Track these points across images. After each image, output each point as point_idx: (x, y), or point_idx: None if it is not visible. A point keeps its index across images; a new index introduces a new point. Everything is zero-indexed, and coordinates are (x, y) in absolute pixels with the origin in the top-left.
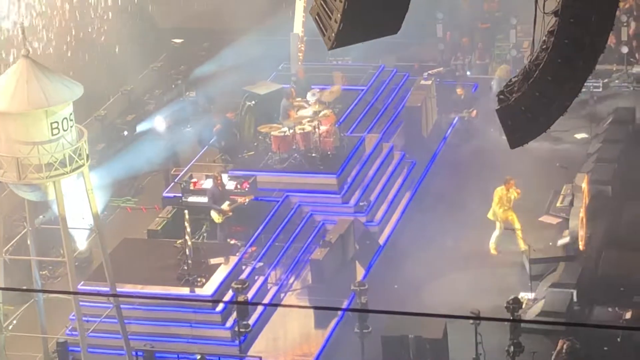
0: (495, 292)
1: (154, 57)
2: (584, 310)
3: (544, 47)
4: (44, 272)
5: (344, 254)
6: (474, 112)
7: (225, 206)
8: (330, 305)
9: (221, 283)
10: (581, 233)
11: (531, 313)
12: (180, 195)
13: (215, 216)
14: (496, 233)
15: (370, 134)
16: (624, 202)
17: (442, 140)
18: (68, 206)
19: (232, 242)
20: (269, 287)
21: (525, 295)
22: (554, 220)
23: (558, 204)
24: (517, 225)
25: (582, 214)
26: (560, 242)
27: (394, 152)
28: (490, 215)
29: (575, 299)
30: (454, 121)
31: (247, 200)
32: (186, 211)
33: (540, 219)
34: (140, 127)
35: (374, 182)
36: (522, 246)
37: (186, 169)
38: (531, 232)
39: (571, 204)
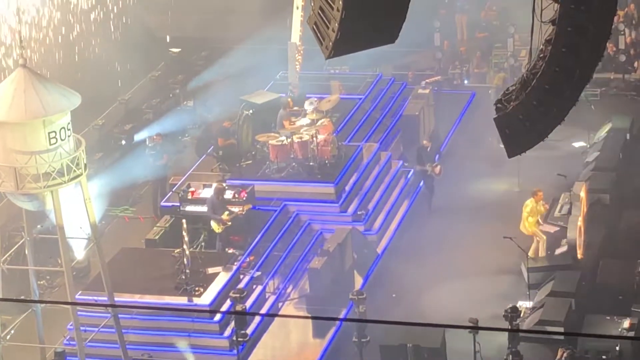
0: (494, 300)
1: (151, 67)
2: (582, 319)
3: (542, 55)
4: (41, 282)
5: (342, 263)
6: (438, 167)
7: (224, 216)
8: (329, 314)
9: (219, 292)
10: (579, 241)
11: (529, 322)
12: (178, 204)
13: (214, 226)
14: (534, 245)
15: (368, 143)
16: (622, 210)
17: (440, 148)
18: (66, 216)
19: (230, 251)
20: (267, 296)
21: (523, 304)
22: (552, 229)
23: (556, 213)
24: (543, 238)
25: (580, 222)
26: (559, 250)
27: (392, 160)
28: (522, 228)
29: (573, 307)
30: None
31: (245, 210)
32: (184, 220)
33: (538, 227)
34: (138, 137)
35: (372, 191)
36: (542, 254)
37: (184, 178)
38: (530, 241)
39: (569, 212)
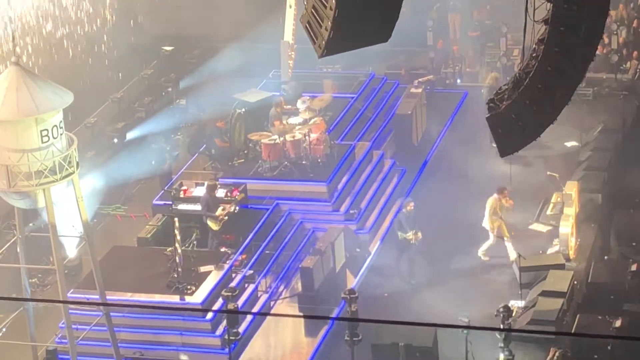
0: (486, 300)
1: (144, 65)
2: (574, 318)
3: (534, 55)
4: (33, 280)
5: (334, 261)
6: (411, 204)
7: (219, 212)
8: (321, 313)
9: (211, 291)
10: (571, 241)
11: (521, 321)
12: (170, 203)
13: (211, 224)
14: (489, 242)
15: (361, 142)
16: (614, 210)
17: (433, 147)
18: (58, 214)
19: (222, 250)
20: (259, 295)
21: (515, 304)
22: (544, 229)
23: (548, 212)
24: (507, 235)
25: (572, 222)
26: (551, 250)
27: (384, 159)
28: (484, 224)
29: (565, 307)
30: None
31: (239, 199)
32: (176, 219)
33: (530, 227)
34: (130, 135)
35: (364, 190)
36: (512, 256)
37: (176, 176)
38: (521, 241)
39: (561, 212)
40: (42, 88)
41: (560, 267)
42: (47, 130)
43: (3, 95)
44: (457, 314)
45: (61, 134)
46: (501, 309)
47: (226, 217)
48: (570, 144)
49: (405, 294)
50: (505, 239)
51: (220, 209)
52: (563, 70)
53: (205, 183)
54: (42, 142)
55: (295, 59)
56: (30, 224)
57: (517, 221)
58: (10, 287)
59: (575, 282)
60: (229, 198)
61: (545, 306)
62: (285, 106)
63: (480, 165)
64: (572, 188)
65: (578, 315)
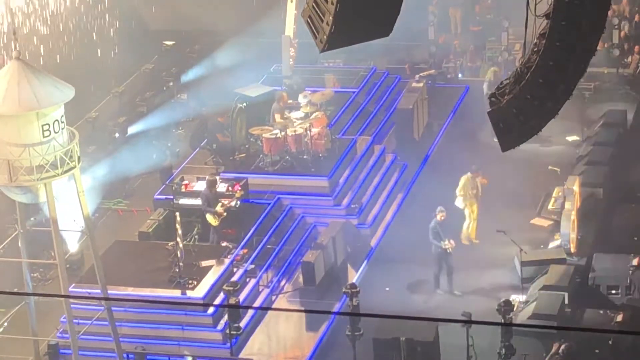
0: (487, 294)
1: (145, 59)
2: (575, 312)
3: (536, 49)
4: (35, 275)
5: (335, 256)
6: (444, 213)
7: (218, 208)
8: (322, 307)
9: (212, 285)
10: (572, 235)
11: (522, 315)
12: (171, 197)
13: (210, 219)
14: (467, 222)
15: (362, 136)
16: (615, 204)
17: (434, 142)
18: (59, 208)
19: (224, 244)
20: (260, 290)
21: (516, 298)
22: (545, 223)
23: (549, 207)
24: (474, 216)
25: (573, 216)
26: (552, 244)
27: (386, 154)
28: (457, 203)
29: (566, 301)
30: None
31: (239, 195)
32: (177, 213)
33: (531, 221)
34: (131, 129)
35: (365, 185)
36: (474, 238)
37: (177, 171)
38: (523, 235)
39: (562, 206)
40: (44, 82)
41: (562, 261)
42: (48, 124)
43: (4, 89)
44: (458, 309)
45: (62, 129)
46: (502, 304)
47: (225, 213)
48: (571, 138)
49: (406, 289)
50: (469, 220)
51: (219, 204)
52: (564, 65)
53: (206, 178)
54: (44, 137)
55: (297, 53)
56: (32, 219)
57: (518, 215)
58: (12, 282)
59: (577, 277)
60: (229, 193)
61: (546, 301)
62: (287, 100)
63: (481, 160)
64: (573, 182)
65: (579, 310)
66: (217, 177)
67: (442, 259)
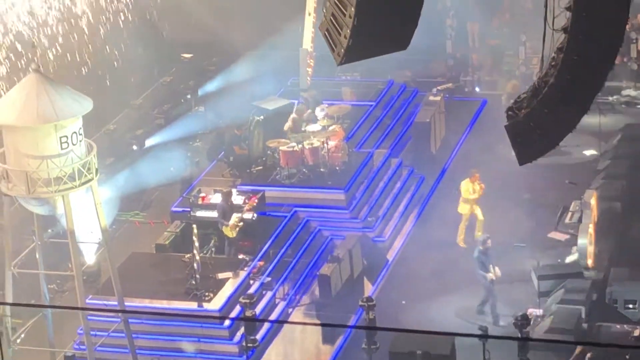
0: (504, 308)
1: (163, 72)
2: (592, 327)
3: (553, 63)
4: (52, 286)
5: (351, 269)
6: (489, 241)
7: (234, 220)
8: (338, 320)
9: (229, 298)
10: (590, 250)
11: (539, 330)
12: (188, 209)
13: (227, 231)
14: (463, 224)
15: (379, 150)
16: (633, 218)
17: (451, 155)
18: (76, 220)
19: (240, 256)
20: (276, 302)
21: (533, 312)
22: (562, 237)
23: (567, 220)
24: (481, 217)
25: (590, 230)
26: (569, 258)
27: (403, 167)
28: (460, 210)
29: (583, 315)
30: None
31: (254, 214)
32: (194, 226)
33: (548, 235)
34: (149, 142)
35: (382, 198)
36: (478, 234)
37: (195, 183)
38: (540, 248)
39: (580, 220)
40: (62, 95)
41: (579, 275)
42: (66, 137)
43: (23, 102)
44: (475, 322)
45: (80, 141)
46: (519, 318)
47: (241, 224)
48: (589, 152)
49: (423, 302)
50: (478, 220)
51: (234, 217)
52: (582, 79)
53: (221, 191)
54: (62, 149)
55: (314, 66)
56: (49, 230)
57: (535, 229)
58: (29, 293)
59: (594, 291)
60: (246, 205)
61: (563, 315)
62: (303, 114)
63: (498, 174)
64: (590, 196)
65: (596, 325)
66: (233, 189)
67: (489, 289)
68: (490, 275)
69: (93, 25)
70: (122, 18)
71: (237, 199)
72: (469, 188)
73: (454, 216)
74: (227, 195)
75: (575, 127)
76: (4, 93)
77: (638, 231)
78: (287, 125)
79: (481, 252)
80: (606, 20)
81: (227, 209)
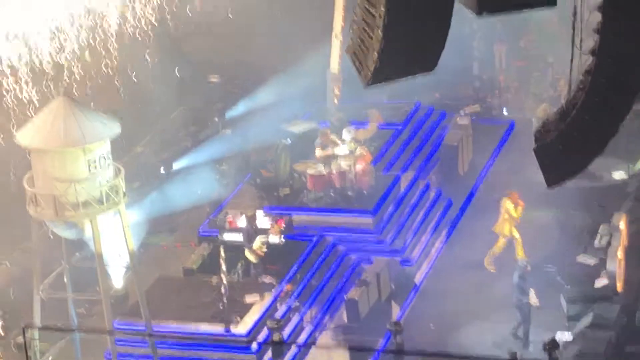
0: (533, 332)
1: (190, 95)
2: (622, 352)
3: (581, 86)
4: (80, 310)
5: (379, 293)
6: (529, 266)
7: (255, 245)
8: (366, 344)
9: (257, 322)
10: (619, 273)
11: (568, 354)
12: (216, 232)
13: (249, 255)
14: (496, 248)
15: (406, 173)
16: None
17: (479, 178)
18: (104, 243)
19: (268, 280)
20: (304, 326)
21: (562, 336)
22: (591, 261)
23: (596, 244)
24: (518, 236)
25: (619, 254)
26: (598, 282)
27: (430, 190)
28: (498, 229)
29: (613, 340)
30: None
31: (282, 237)
32: (222, 248)
33: (577, 258)
34: (176, 165)
35: (409, 221)
36: (520, 255)
37: (222, 206)
38: (569, 272)
39: (609, 244)
40: (90, 118)
41: (608, 299)
42: (94, 160)
43: (51, 125)
44: (504, 346)
45: (108, 164)
46: (548, 342)
47: (264, 250)
48: (618, 175)
49: (451, 326)
50: (516, 239)
51: (257, 240)
52: (610, 102)
53: (245, 215)
54: (90, 172)
55: (341, 89)
56: (77, 254)
57: (564, 253)
58: (58, 317)
59: (623, 316)
60: (272, 227)
61: (592, 340)
62: (330, 136)
63: (526, 196)
64: (619, 220)
65: (626, 349)
66: (258, 212)
67: (526, 314)
68: (533, 300)
69: (120, 46)
70: (149, 41)
71: (264, 221)
72: (511, 207)
73: (482, 239)
74: (251, 219)
75: (604, 150)
76: (32, 116)
77: None
78: (318, 151)
79: (520, 277)
80: (634, 42)
81: (252, 231)
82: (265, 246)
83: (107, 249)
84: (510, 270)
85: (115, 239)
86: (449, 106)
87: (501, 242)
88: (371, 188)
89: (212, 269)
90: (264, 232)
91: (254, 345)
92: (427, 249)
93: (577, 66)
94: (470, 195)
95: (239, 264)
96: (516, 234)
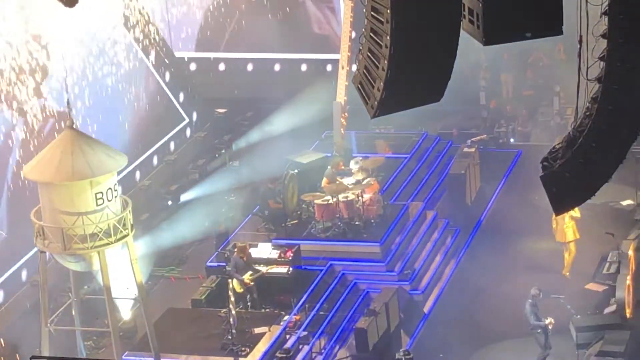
0: None
1: (197, 127)
2: None
3: (588, 113)
4: (88, 343)
5: (388, 322)
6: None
7: (246, 277)
8: None
9: (265, 352)
10: (628, 300)
11: None
12: (224, 264)
13: (236, 285)
14: (570, 257)
15: (414, 202)
16: None
17: (487, 207)
18: (112, 276)
19: (276, 311)
20: (313, 356)
21: None
22: (600, 288)
23: (604, 271)
24: (574, 251)
25: (628, 281)
26: (607, 310)
27: (438, 219)
28: (560, 237)
29: None
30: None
31: (290, 268)
32: (230, 280)
33: (586, 286)
34: (184, 197)
35: (417, 250)
36: (566, 272)
37: (230, 238)
38: (577, 300)
39: (617, 271)
40: (97, 151)
41: (618, 327)
42: (101, 193)
43: (58, 159)
44: None
45: (116, 197)
46: None
47: (252, 283)
48: (625, 202)
49: (460, 355)
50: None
51: (248, 273)
52: (617, 129)
53: (236, 245)
54: (97, 205)
55: (348, 119)
56: (85, 287)
57: (573, 280)
58: (66, 350)
59: (633, 343)
60: (282, 259)
61: None
62: (341, 167)
63: (534, 224)
64: (628, 247)
65: None
66: (268, 244)
67: (544, 340)
68: (550, 321)
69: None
70: (158, 72)
71: (272, 253)
72: (571, 213)
73: (491, 268)
74: (242, 250)
75: (611, 177)
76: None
77: None
78: (324, 182)
79: (531, 304)
80: None
81: (241, 263)
82: (253, 278)
83: (115, 282)
84: (519, 298)
85: (124, 272)
86: (456, 136)
87: (572, 246)
88: (379, 218)
89: (220, 300)
90: (254, 263)
91: None
92: (435, 278)
93: (583, 94)
94: (478, 224)
95: (248, 295)
96: (573, 248)
